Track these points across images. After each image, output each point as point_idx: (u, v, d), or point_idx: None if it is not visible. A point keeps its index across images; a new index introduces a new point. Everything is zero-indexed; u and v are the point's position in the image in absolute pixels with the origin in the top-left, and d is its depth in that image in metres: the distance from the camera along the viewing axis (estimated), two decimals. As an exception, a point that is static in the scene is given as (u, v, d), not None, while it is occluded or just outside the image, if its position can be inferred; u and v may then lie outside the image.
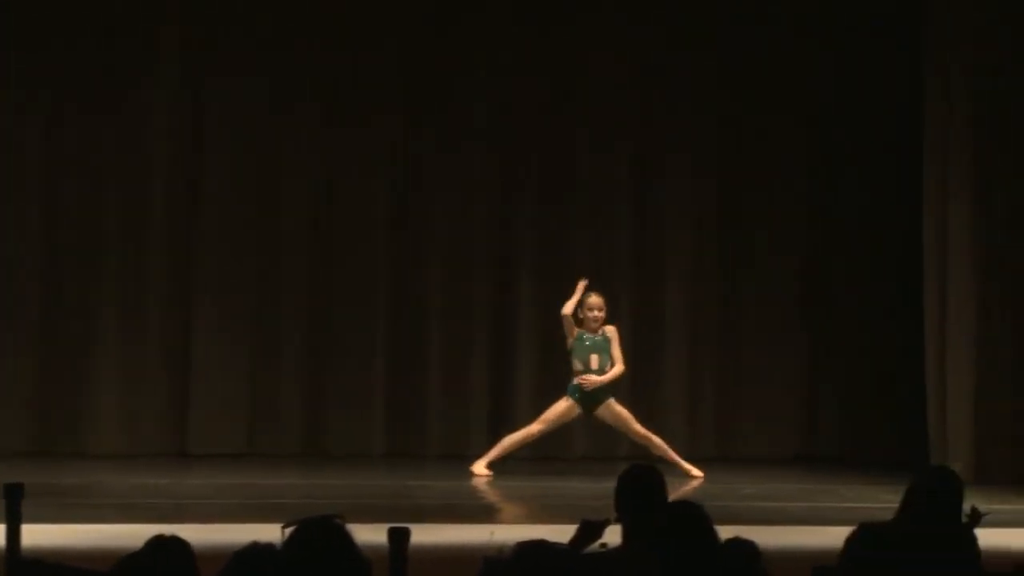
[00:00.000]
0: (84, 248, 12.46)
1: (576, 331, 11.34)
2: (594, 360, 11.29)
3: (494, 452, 11.38)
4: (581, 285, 11.35)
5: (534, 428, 11.34)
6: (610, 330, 11.38)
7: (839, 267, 12.95)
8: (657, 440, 11.27)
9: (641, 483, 5.52)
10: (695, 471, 11.25)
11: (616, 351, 11.30)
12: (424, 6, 12.78)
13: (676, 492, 10.21)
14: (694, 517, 4.50)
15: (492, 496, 10.50)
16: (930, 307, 11.41)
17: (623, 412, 11.22)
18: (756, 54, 12.89)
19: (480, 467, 11.26)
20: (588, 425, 12.08)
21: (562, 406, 11.29)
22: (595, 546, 5.47)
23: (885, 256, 12.82)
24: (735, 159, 12.95)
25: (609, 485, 5.71)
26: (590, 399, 11.24)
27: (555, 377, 12.54)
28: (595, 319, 11.33)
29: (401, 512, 9.00)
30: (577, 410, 11.27)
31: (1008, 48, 11.13)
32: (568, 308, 11.28)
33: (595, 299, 11.40)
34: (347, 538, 4.16)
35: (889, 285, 12.78)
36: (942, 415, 11.24)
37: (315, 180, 12.71)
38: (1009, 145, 11.15)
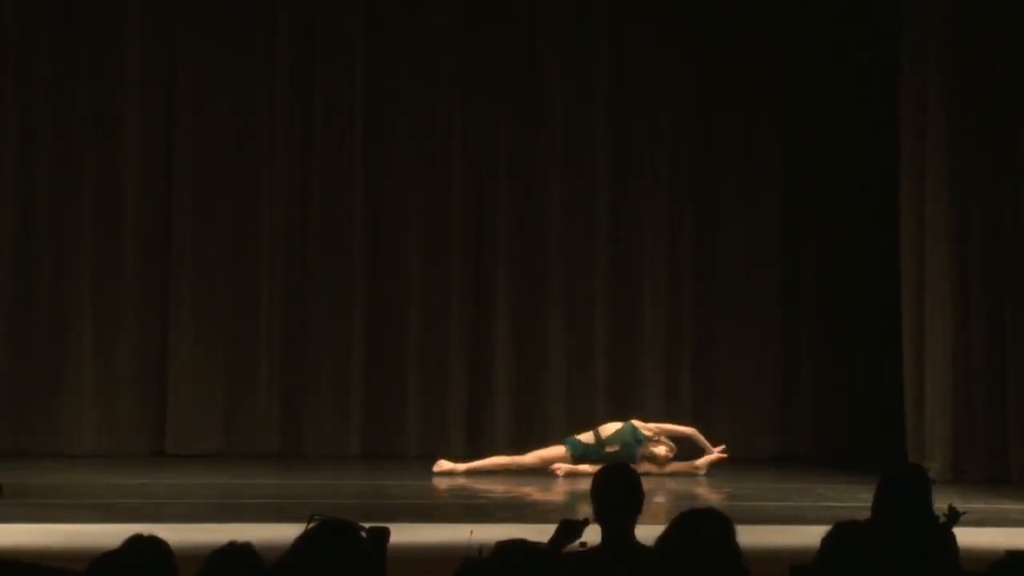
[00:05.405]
0: (59, 248, 12.43)
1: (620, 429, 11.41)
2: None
3: (473, 464, 11.40)
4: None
5: (524, 460, 11.36)
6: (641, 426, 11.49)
7: (814, 268, 12.96)
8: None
9: (618, 482, 5.52)
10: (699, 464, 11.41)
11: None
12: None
13: (660, 492, 10.27)
14: (720, 526, 4.49)
15: (471, 496, 10.50)
16: (908, 306, 11.44)
17: None
18: (734, 63, 12.89)
19: (448, 465, 11.29)
20: (566, 429, 12.16)
21: (558, 452, 11.32)
22: (574, 545, 5.48)
23: (861, 257, 12.83)
24: (711, 162, 12.95)
25: (586, 485, 5.70)
26: (583, 459, 11.25)
27: (531, 377, 12.60)
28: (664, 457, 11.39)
29: (379, 512, 8.98)
30: (571, 462, 11.28)
31: (982, 56, 11.16)
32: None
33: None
34: (362, 548, 4.15)
35: (864, 285, 12.80)
36: (919, 414, 11.26)
37: (291, 181, 12.69)
38: (984, 150, 11.18)
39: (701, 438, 11.55)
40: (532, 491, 10.64)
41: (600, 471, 5.67)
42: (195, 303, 12.54)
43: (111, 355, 12.44)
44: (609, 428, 11.44)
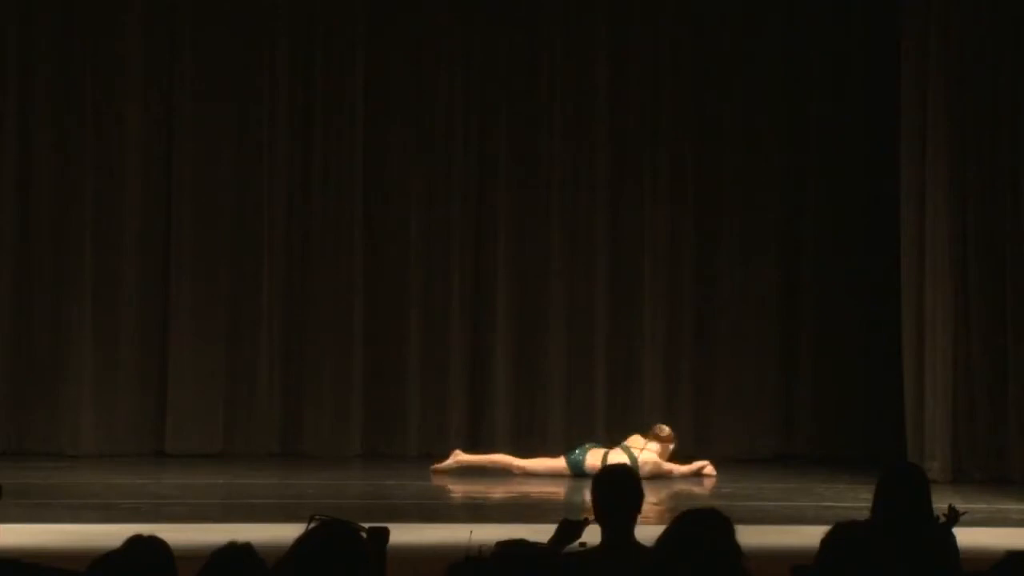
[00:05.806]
0: (59, 247, 12.42)
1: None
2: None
3: (476, 458, 11.40)
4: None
5: (522, 466, 11.34)
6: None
7: (814, 268, 12.95)
8: None
9: (618, 482, 5.52)
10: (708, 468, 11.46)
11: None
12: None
13: (667, 493, 10.28)
14: (720, 526, 4.49)
15: (471, 496, 10.50)
16: (907, 306, 11.43)
17: None
18: (738, 56, 12.89)
19: (443, 464, 11.31)
20: (566, 429, 12.18)
21: (557, 464, 11.29)
22: (574, 545, 5.48)
23: (861, 256, 12.83)
24: (711, 162, 12.94)
25: (587, 484, 5.71)
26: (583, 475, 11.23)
27: (531, 377, 12.59)
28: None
29: (379, 512, 8.99)
30: (569, 473, 11.25)
31: (982, 56, 11.16)
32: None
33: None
34: (362, 548, 4.14)
35: (864, 285, 12.79)
36: (919, 415, 11.26)
37: (291, 180, 12.69)
38: (984, 151, 11.19)
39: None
40: (532, 491, 10.63)
41: (600, 471, 5.68)
42: (195, 303, 12.53)
43: (111, 355, 12.44)
44: (616, 460, 11.29)
